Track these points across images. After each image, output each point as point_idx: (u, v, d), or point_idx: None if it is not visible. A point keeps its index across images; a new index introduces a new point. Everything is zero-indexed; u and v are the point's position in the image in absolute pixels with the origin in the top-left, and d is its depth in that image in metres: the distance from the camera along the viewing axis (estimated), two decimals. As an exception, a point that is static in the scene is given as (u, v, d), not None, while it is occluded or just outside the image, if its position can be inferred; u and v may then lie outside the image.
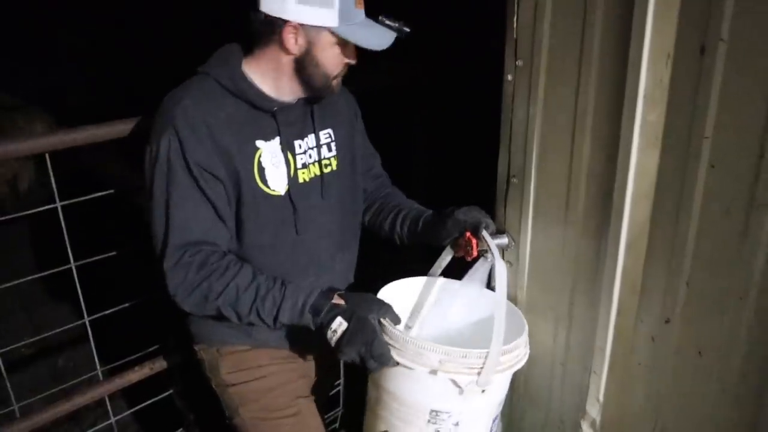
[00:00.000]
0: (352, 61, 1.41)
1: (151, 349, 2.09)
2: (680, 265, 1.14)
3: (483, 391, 1.32)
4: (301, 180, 1.49)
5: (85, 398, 1.83)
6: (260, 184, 1.42)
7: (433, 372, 1.27)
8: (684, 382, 1.20)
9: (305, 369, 1.66)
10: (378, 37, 1.35)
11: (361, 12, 1.35)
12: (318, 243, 1.52)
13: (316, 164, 1.52)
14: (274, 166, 1.44)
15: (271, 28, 1.34)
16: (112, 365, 2.22)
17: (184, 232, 1.36)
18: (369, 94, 1.86)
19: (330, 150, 1.56)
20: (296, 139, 1.48)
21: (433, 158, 3.16)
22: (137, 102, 1.66)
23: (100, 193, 1.75)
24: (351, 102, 1.67)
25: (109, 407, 1.99)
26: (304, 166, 1.49)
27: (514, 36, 1.34)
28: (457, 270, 1.53)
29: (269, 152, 1.43)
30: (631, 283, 1.25)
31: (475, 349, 1.28)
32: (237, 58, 1.42)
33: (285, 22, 1.31)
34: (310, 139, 1.51)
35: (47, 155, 1.57)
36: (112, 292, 1.92)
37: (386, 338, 1.32)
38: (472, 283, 1.46)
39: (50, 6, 5.30)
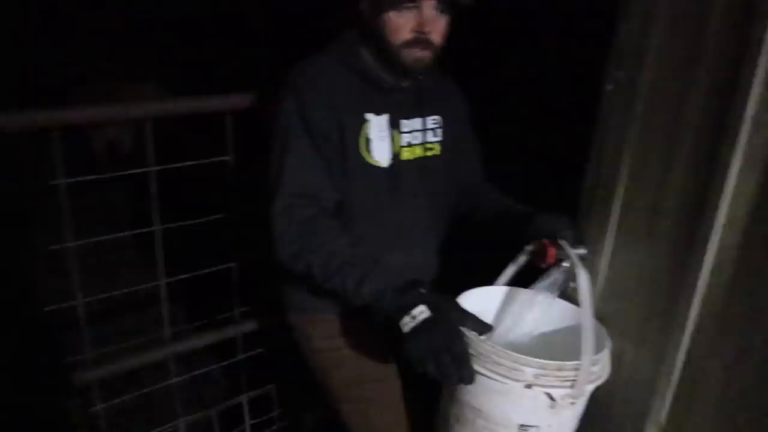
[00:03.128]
0: (419, 29, 1.46)
1: (217, 318, 2.17)
2: (766, 295, 1.11)
3: (572, 403, 1.31)
4: (403, 157, 1.60)
5: (151, 356, 1.92)
6: (364, 155, 1.54)
7: (528, 386, 1.26)
8: (755, 417, 1.16)
9: (389, 339, 1.71)
10: None
11: None
12: (412, 220, 1.58)
13: (420, 146, 1.63)
14: (379, 140, 1.56)
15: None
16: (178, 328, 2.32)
17: (295, 181, 1.46)
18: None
19: (435, 135, 1.66)
20: (403, 118, 1.59)
21: (521, 161, 3.13)
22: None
23: (188, 163, 1.84)
24: (463, 99, 1.78)
25: (172, 367, 2.07)
26: (409, 145, 1.60)
27: (620, 44, 1.33)
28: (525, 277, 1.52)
29: (377, 125, 1.55)
30: (710, 309, 1.22)
31: (569, 362, 1.27)
32: (355, 40, 1.58)
33: None
34: (417, 122, 1.62)
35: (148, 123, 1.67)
36: (199, 258, 2.03)
37: (475, 349, 1.27)
38: (544, 292, 1.45)
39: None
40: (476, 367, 1.28)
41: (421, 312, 1.24)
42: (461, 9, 1.51)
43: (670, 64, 1.23)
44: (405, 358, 1.24)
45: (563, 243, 1.40)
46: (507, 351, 1.26)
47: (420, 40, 1.47)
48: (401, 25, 1.46)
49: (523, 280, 1.53)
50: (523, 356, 1.26)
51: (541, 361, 1.25)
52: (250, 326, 2.07)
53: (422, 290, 1.32)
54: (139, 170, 1.73)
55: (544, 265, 1.44)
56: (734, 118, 1.09)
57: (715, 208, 1.15)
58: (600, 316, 1.50)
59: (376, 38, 1.50)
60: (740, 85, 1.08)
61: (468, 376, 1.22)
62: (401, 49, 1.48)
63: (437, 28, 1.49)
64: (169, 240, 1.89)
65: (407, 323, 1.24)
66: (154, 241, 1.87)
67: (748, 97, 1.06)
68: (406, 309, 1.25)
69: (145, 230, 1.85)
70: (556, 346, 1.47)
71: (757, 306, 1.13)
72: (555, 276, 1.44)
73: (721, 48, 1.13)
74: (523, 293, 1.51)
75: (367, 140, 1.54)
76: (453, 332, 1.23)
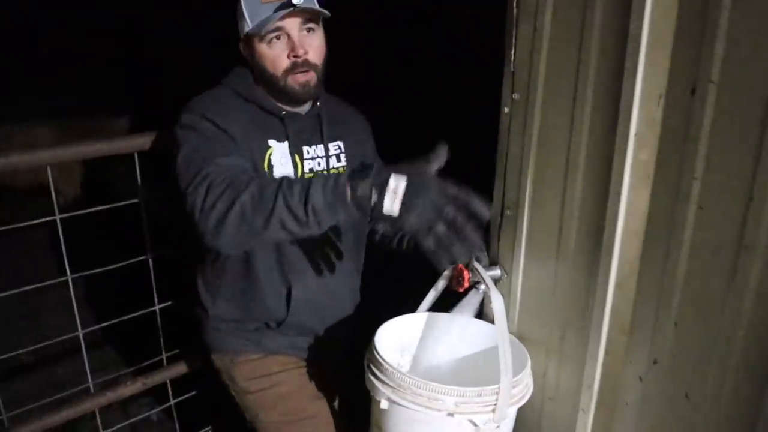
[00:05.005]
0: (295, 53, 1.48)
1: (145, 364, 2.10)
2: (668, 305, 1.13)
3: (497, 427, 1.30)
4: None
5: (75, 411, 1.84)
6: None
7: (450, 415, 1.25)
8: (671, 424, 1.18)
9: (314, 373, 1.69)
10: (270, 17, 1.44)
11: (273, 5, 1.46)
12: (324, 245, 1.55)
13: (325, 172, 1.61)
14: (281, 166, 1.55)
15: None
16: (116, 374, 2.25)
17: (210, 164, 1.33)
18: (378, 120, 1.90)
19: (339, 161, 1.66)
20: (305, 144, 1.59)
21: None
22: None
23: (96, 208, 1.78)
24: (363, 120, 1.79)
25: (98, 421, 2.00)
26: (311, 171, 1.60)
27: (512, 69, 1.35)
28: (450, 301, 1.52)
29: (279, 152, 1.55)
30: (620, 321, 1.24)
31: (488, 386, 1.26)
32: (247, 74, 1.59)
33: (240, 40, 1.55)
34: (319, 149, 1.62)
35: (49, 167, 1.61)
36: (129, 300, 1.99)
37: (394, 381, 1.26)
38: (462, 316, 1.45)
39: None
40: (396, 398, 1.27)
41: (397, 181, 1.10)
42: (327, 21, 1.53)
43: (558, 83, 1.26)
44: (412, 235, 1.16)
45: (477, 266, 1.40)
46: (425, 381, 1.25)
47: (298, 64, 1.49)
48: (276, 55, 1.48)
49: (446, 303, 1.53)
50: (442, 385, 1.25)
51: (461, 388, 1.25)
52: (179, 370, 2.01)
53: (366, 167, 1.20)
54: (43, 220, 1.66)
55: (461, 290, 1.44)
56: (620, 135, 1.11)
57: (614, 222, 1.17)
58: (520, 335, 1.51)
59: (260, 72, 1.53)
60: (623, 102, 1.10)
61: (482, 212, 1.12)
62: (285, 78, 1.50)
63: (312, 47, 1.50)
64: (100, 281, 1.83)
65: (392, 205, 1.10)
66: (83, 284, 1.81)
67: (631, 114, 1.08)
68: (380, 193, 1.10)
69: (58, 280, 1.78)
70: (481, 368, 1.47)
71: (662, 316, 1.15)
72: (473, 299, 1.44)
73: (602, 65, 1.16)
74: (443, 318, 1.51)
75: (271, 166, 1.53)
76: (439, 197, 1.10)
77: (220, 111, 1.48)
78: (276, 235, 1.22)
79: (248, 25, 1.48)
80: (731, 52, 0.95)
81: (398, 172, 1.11)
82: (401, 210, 1.09)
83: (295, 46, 1.47)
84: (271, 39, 1.47)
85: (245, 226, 1.22)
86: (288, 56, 1.48)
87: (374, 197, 1.11)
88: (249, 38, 1.50)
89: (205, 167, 1.32)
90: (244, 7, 1.48)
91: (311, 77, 1.51)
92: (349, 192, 1.13)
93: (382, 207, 1.10)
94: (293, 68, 1.49)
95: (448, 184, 1.12)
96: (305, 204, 1.15)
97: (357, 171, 1.16)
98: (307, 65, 1.49)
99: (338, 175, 1.17)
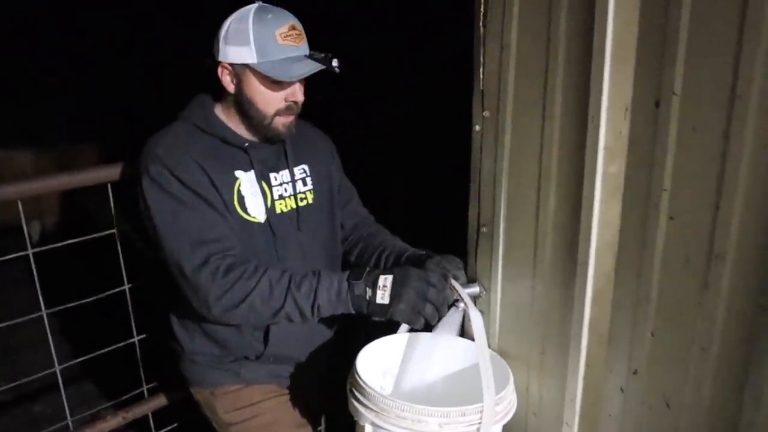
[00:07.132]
0: (294, 99, 1.49)
1: (125, 397, 2.07)
2: (644, 315, 1.14)
3: (482, 445, 1.29)
4: (278, 210, 1.58)
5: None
6: (240, 212, 1.51)
7: (434, 436, 1.24)
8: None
9: (297, 400, 1.67)
10: (296, 69, 1.43)
11: (288, 47, 1.43)
12: (299, 270, 1.54)
13: (292, 197, 1.62)
14: (252, 195, 1.54)
15: (214, 70, 1.49)
16: (96, 408, 2.21)
17: (201, 238, 1.42)
18: (351, 140, 1.90)
19: (305, 184, 1.65)
20: (271, 172, 1.58)
21: (412, 202, 3.18)
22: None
23: (70, 241, 1.75)
24: (326, 141, 1.78)
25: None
26: (281, 197, 1.59)
27: (481, 87, 1.37)
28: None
29: (247, 182, 1.53)
30: (599, 333, 1.25)
31: (471, 405, 1.26)
32: (210, 103, 1.56)
33: (219, 62, 1.47)
34: (285, 174, 1.61)
35: (20, 202, 1.59)
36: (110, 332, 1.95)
37: (377, 405, 1.27)
38: (443, 334, 1.45)
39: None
40: (380, 422, 1.26)
41: (386, 279, 1.36)
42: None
43: (527, 99, 1.28)
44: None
45: (455, 284, 1.40)
46: (408, 403, 1.25)
47: (292, 107, 1.50)
48: (275, 97, 1.47)
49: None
50: (425, 406, 1.24)
51: (444, 409, 1.24)
52: (159, 402, 1.98)
53: (367, 268, 1.41)
54: (13, 255, 1.63)
55: (440, 308, 1.44)
56: (590, 149, 1.13)
57: (588, 236, 1.18)
58: (502, 351, 1.51)
59: (242, 104, 1.49)
60: (591, 116, 1.12)
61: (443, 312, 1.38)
62: (273, 118, 1.49)
63: (302, 91, 1.52)
64: (80, 313, 1.81)
65: (382, 295, 1.35)
66: (62, 317, 1.78)
67: (599, 128, 1.10)
68: (372, 288, 1.36)
69: (31, 316, 1.75)
70: (466, 386, 1.47)
71: (638, 326, 1.16)
72: (453, 317, 1.44)
73: (569, 81, 1.18)
74: (424, 338, 1.51)
75: (241, 197, 1.51)
76: (420, 283, 1.34)
77: (183, 161, 1.45)
78: (277, 321, 1.44)
79: (253, 57, 1.42)
80: (692, 65, 0.97)
81: (385, 271, 1.38)
82: (391, 299, 1.34)
83: (297, 93, 1.49)
84: (283, 84, 1.46)
85: (252, 316, 1.41)
86: (285, 99, 1.48)
87: (368, 293, 1.36)
88: (245, 67, 1.45)
89: (197, 244, 1.40)
90: (252, 36, 1.41)
91: (295, 118, 1.53)
92: (348, 293, 1.38)
93: (375, 300, 1.35)
94: (286, 110, 1.49)
95: (429, 274, 1.37)
96: (312, 304, 1.38)
97: (353, 274, 1.40)
98: (297, 108, 1.51)
99: (340, 279, 1.39)
